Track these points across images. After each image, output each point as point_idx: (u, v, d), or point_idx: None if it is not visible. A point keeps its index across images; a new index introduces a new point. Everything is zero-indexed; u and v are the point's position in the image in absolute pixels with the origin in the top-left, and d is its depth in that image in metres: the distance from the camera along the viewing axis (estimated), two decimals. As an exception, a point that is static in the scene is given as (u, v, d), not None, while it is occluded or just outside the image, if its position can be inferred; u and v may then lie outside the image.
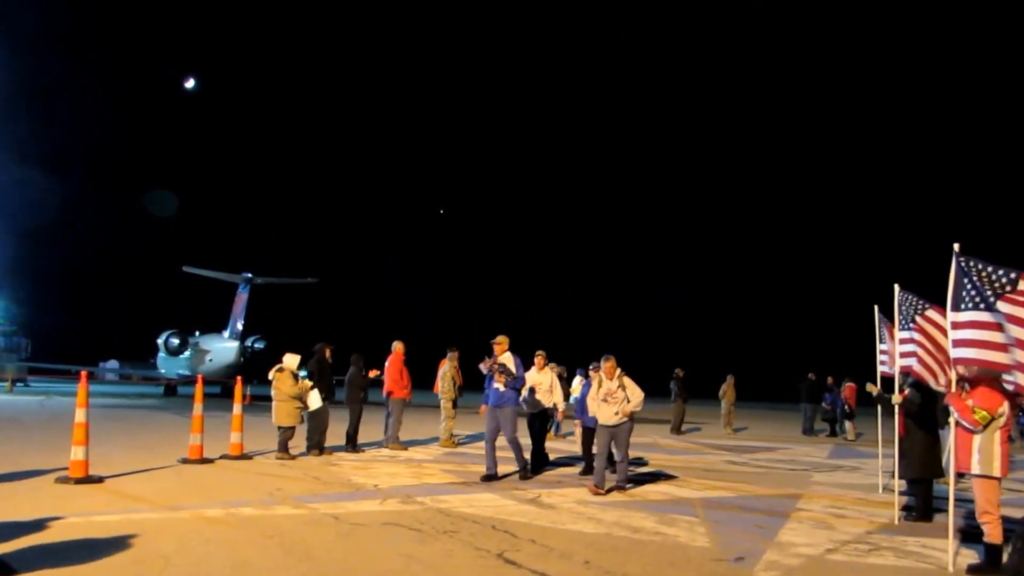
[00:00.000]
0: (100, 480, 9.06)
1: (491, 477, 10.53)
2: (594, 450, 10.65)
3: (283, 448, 12.22)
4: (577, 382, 19.62)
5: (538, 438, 12.43)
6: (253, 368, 30.70)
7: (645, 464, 13.40)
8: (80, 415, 9.05)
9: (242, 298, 35.68)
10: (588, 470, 11.30)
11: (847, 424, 22.47)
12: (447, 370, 15.60)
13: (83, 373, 9.63)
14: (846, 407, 22.38)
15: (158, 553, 5.97)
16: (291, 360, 12.71)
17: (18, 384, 38.94)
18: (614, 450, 10.07)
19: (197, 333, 37.32)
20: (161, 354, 37.45)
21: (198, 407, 11.46)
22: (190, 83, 41.55)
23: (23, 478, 9.14)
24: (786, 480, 12.03)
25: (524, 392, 11.52)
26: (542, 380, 12.16)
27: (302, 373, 13.04)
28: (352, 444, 13.56)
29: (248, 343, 35.79)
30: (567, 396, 19.09)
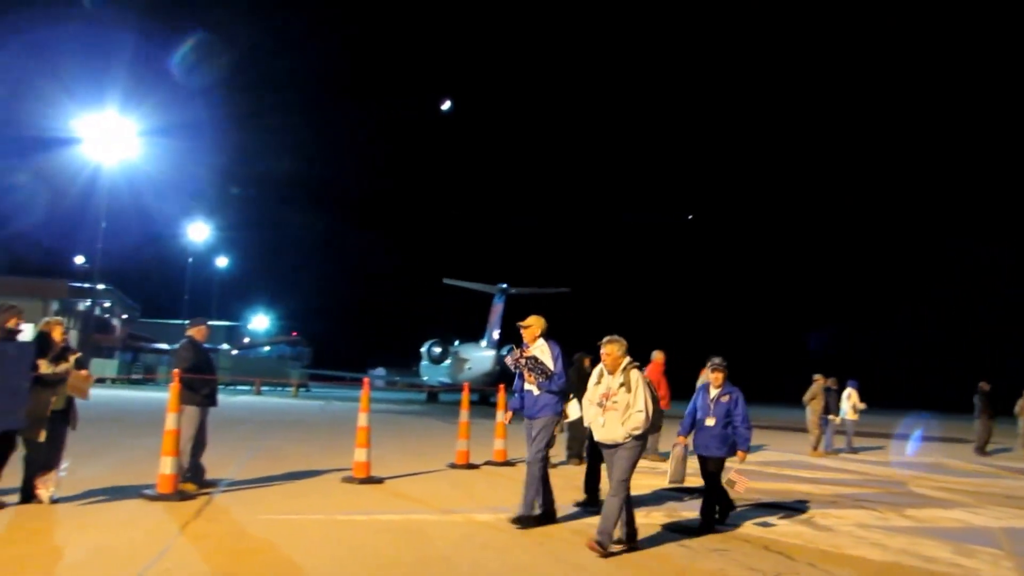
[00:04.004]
0: (380, 481, 9.66)
1: (542, 518, 7.54)
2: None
3: (543, 456, 12.42)
4: (846, 396, 18.25)
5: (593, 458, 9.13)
6: (508, 376, 31.89)
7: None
8: (362, 419, 9.73)
9: (498, 308, 37.29)
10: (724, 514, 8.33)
11: None
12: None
13: (365, 380, 10.43)
14: None
15: (439, 555, 6.25)
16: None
17: (301, 389, 43.65)
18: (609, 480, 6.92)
19: (457, 342, 39.50)
20: (424, 362, 40.10)
21: (464, 414, 11.99)
22: (446, 104, 44.25)
23: (312, 477, 10.01)
24: (1115, 512, 10.24)
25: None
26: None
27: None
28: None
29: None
30: (835, 411, 17.72)
